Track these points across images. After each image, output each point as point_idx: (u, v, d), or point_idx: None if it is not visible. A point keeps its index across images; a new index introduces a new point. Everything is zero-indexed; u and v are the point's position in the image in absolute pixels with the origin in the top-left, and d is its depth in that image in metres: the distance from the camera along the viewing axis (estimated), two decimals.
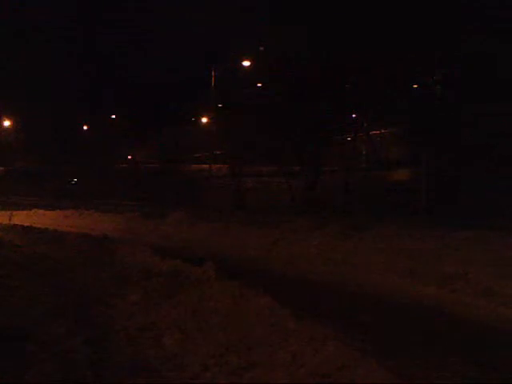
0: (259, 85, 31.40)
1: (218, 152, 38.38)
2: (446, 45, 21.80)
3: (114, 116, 52.87)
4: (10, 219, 23.92)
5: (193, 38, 59.98)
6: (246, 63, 32.63)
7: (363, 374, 4.32)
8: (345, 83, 26.04)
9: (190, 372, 5.37)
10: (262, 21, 28.18)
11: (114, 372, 5.51)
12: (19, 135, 51.13)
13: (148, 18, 60.08)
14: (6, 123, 52.08)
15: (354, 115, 27.75)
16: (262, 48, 30.20)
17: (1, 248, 14.56)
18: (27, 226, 19.13)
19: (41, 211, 28.13)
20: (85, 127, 54.49)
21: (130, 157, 51.02)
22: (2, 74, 48.82)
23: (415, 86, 24.99)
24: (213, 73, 37.11)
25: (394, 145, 27.92)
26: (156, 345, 6.28)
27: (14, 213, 26.81)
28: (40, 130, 50.85)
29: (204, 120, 45.24)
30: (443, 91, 23.17)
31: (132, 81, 50.30)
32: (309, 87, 25.35)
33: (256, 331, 5.59)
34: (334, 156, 28.15)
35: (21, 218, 25.51)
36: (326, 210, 22.43)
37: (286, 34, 25.23)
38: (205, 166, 40.61)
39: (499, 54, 20.26)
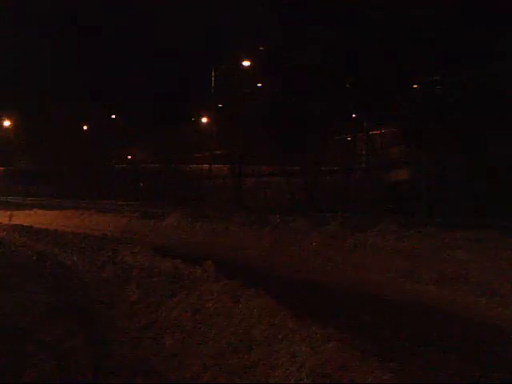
0: (259, 85, 31.45)
1: (218, 152, 38.38)
2: (446, 46, 21.81)
3: (113, 116, 52.87)
4: (10, 219, 23.93)
5: (193, 37, 59.92)
6: (246, 63, 32.65)
7: (363, 374, 4.32)
8: (345, 83, 26.08)
9: (189, 372, 5.38)
10: (262, 21, 28.22)
11: (114, 372, 5.51)
12: (19, 135, 51.09)
13: (148, 18, 60.06)
14: (6, 123, 52.04)
15: (353, 115, 27.80)
16: (262, 48, 30.26)
17: (1, 248, 14.57)
18: (27, 226, 19.13)
19: (41, 211, 28.13)
20: (85, 127, 54.47)
21: (129, 157, 50.99)
22: (2, 73, 48.82)
23: (415, 85, 25.02)
24: (213, 73, 37.12)
25: (394, 145, 27.91)
26: (156, 345, 6.28)
27: (15, 213, 26.82)
28: (40, 130, 50.82)
29: (204, 120, 45.23)
30: (443, 92, 23.19)
31: (132, 81, 50.28)
32: (309, 86, 25.38)
33: (256, 331, 5.58)
34: (333, 156, 28.18)
35: (21, 218, 25.50)
36: (325, 209, 22.42)
37: (287, 34, 25.27)
38: (205, 165, 40.61)
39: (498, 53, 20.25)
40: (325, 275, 10.83)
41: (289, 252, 13.01)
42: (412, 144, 24.69)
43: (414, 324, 7.42)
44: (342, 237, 12.79)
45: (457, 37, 20.97)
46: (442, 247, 10.57)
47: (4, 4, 51.57)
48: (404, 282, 9.76)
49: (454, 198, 20.14)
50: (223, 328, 5.91)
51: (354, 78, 25.53)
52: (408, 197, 22.20)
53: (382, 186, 24.56)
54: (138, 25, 62.39)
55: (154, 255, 10.32)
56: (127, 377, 5.41)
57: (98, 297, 8.80)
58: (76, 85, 51.31)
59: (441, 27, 21.16)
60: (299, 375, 4.58)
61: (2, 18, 53.75)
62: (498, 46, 20.03)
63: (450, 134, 22.00)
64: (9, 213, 26.33)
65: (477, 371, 5.56)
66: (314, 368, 4.53)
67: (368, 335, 6.50)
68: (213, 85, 37.41)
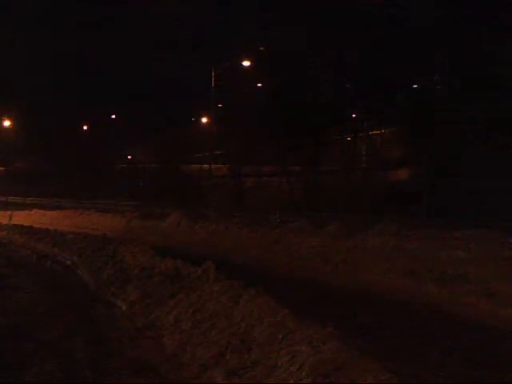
0: (259, 85, 31.46)
1: (218, 152, 38.40)
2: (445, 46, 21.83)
3: (114, 116, 52.89)
4: (10, 219, 23.94)
5: (193, 37, 59.95)
6: (246, 63, 32.64)
7: (363, 373, 4.32)
8: (345, 82, 26.11)
9: (189, 372, 5.38)
10: (262, 21, 28.22)
11: (114, 372, 5.51)
12: (19, 135, 51.10)
13: (148, 18, 60.08)
14: (6, 123, 52.07)
15: (354, 115, 27.79)
16: (262, 48, 30.26)
17: (1, 248, 14.59)
18: (27, 226, 19.14)
19: (41, 211, 28.16)
20: (85, 127, 54.50)
21: (129, 157, 50.97)
22: (2, 73, 48.85)
23: (415, 86, 25.03)
24: (213, 73, 37.15)
25: (394, 145, 27.89)
26: (156, 345, 6.28)
27: (15, 213, 26.84)
28: (40, 130, 50.86)
29: (204, 120, 45.26)
30: (442, 91, 23.21)
31: (132, 80, 50.30)
32: (309, 86, 25.39)
33: (256, 331, 5.58)
34: (334, 156, 28.15)
35: (21, 217, 25.53)
36: (325, 209, 22.42)
37: (287, 34, 25.26)
38: (205, 166, 40.61)
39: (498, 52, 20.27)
40: (325, 275, 10.83)
41: (289, 252, 13.01)
42: (412, 144, 24.68)
43: (414, 324, 7.42)
44: (343, 237, 12.79)
45: (457, 36, 20.99)
46: (442, 247, 10.57)
47: (4, 4, 51.63)
48: (404, 281, 9.75)
49: (454, 198, 20.11)
50: (223, 328, 5.91)
51: (354, 78, 25.55)
52: (408, 197, 22.17)
53: (382, 186, 24.54)
54: (138, 24, 62.41)
55: (154, 255, 10.32)
56: (127, 377, 5.40)
57: (97, 297, 8.80)
58: (76, 85, 51.33)
59: (441, 27, 21.18)
60: (299, 375, 4.58)
61: (2, 17, 53.77)
62: (497, 46, 20.04)
63: (450, 134, 21.99)
64: (9, 213, 26.34)
65: (477, 371, 5.56)
66: (314, 368, 4.53)
67: (368, 335, 6.50)
68: (213, 85, 37.45)
